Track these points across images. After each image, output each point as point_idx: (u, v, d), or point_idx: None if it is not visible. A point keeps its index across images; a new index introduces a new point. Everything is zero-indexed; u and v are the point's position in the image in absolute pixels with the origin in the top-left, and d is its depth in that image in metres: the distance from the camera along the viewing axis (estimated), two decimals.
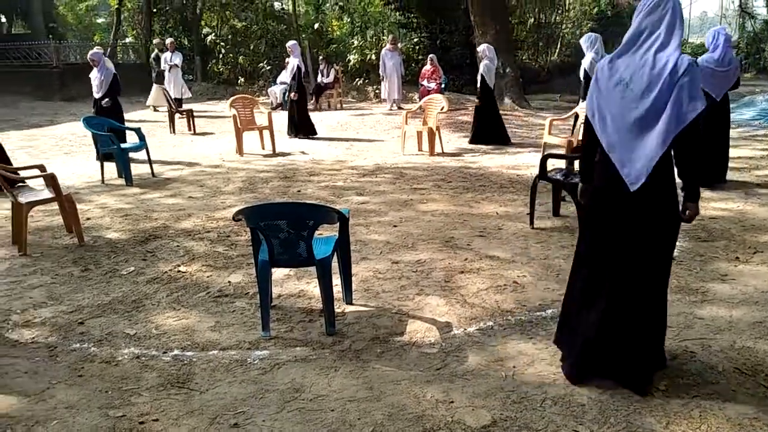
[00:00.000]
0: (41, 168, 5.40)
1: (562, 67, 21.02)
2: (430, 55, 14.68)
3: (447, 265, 4.50)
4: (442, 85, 14.38)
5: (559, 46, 22.70)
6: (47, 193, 5.24)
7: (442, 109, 9.09)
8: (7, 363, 3.24)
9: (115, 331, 3.58)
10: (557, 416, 2.62)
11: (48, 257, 4.89)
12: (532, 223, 5.34)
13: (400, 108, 14.42)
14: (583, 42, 8.12)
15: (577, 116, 7.95)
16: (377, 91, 16.99)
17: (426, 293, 4.00)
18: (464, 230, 5.32)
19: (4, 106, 16.05)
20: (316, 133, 10.96)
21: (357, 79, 18.36)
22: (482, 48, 9.74)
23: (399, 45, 16.10)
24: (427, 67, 14.30)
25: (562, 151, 7.19)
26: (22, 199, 5.05)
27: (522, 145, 9.81)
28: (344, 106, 15.93)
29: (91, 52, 9.01)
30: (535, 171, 6.85)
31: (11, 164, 7.18)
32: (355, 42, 19.40)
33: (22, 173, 5.53)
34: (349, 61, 18.79)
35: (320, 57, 16.66)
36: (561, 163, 6.38)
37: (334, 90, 15.76)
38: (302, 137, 10.80)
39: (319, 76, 15.90)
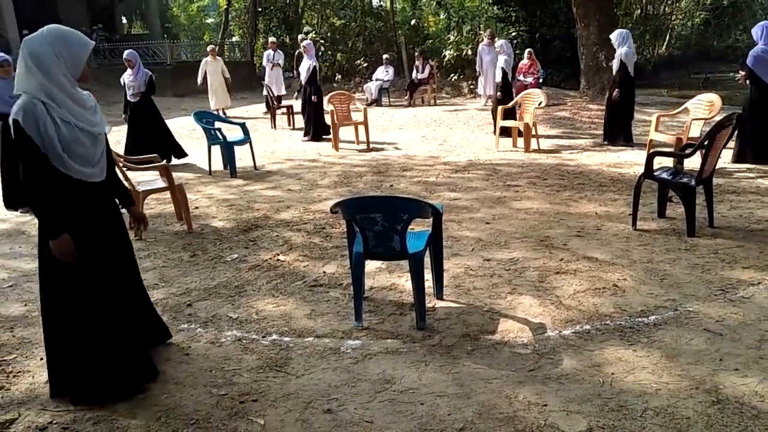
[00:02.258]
0: (156, 159, 5.80)
1: (670, 60, 19.81)
2: (528, 49, 14.33)
3: (541, 264, 4.39)
4: (540, 80, 13.99)
5: (667, 38, 21.39)
6: (161, 183, 5.63)
7: (539, 105, 8.85)
8: None
9: (220, 314, 3.80)
10: (659, 428, 2.49)
11: (160, 242, 5.26)
12: (634, 224, 5.10)
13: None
14: (615, 38, 8.68)
15: (687, 112, 7.49)
16: (472, 87, 16.81)
17: (519, 292, 3.93)
18: (560, 229, 5.16)
19: (122, 101, 17.35)
20: (329, 134, 10.29)
21: (452, 75, 18.25)
22: (500, 43, 9.99)
23: (496, 39, 15.82)
24: (525, 61, 13.96)
25: (670, 149, 6.79)
26: (139, 187, 5.46)
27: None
28: (438, 102, 15.89)
29: (126, 52, 8.64)
30: (639, 169, 6.53)
31: (176, 144, 8.88)
32: (452, 37, 19.27)
33: (140, 165, 5.95)
34: (445, 56, 18.70)
35: (416, 53, 16.68)
36: (667, 162, 6.03)
37: (428, 86, 15.76)
38: (316, 140, 10.54)
39: (414, 71, 15.96)
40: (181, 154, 8.96)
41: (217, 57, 14.13)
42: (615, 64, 8.80)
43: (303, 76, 10.74)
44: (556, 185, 6.72)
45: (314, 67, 10.49)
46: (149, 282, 4.35)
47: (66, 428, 2.68)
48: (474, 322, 3.55)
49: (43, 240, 2.72)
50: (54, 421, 2.74)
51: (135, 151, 7.97)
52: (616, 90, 8.74)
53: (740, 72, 7.42)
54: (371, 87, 16.08)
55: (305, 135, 10.86)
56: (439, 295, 3.89)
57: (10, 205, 6.46)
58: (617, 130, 9.00)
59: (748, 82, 7.11)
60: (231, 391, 2.92)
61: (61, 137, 2.58)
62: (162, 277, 4.45)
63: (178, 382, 3.03)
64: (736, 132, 5.16)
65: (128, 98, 8.59)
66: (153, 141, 8.37)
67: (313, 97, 10.51)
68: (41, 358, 3.31)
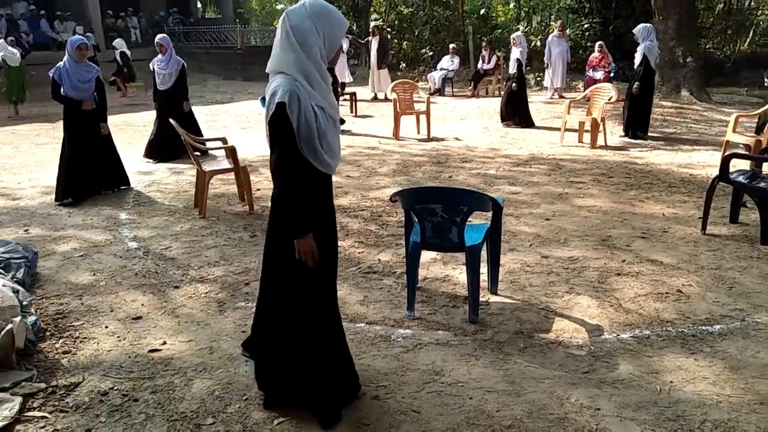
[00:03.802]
0: (223, 141, 5.97)
1: (752, 57, 18.61)
2: (598, 42, 13.83)
3: (602, 265, 4.25)
4: (611, 74, 13.50)
5: (751, 35, 20.17)
6: (227, 164, 5.79)
7: (609, 99, 8.54)
8: (184, 313, 3.66)
9: None
10: None
11: (223, 222, 5.42)
12: (704, 228, 4.86)
13: (561, 97, 13.80)
14: (638, 32, 8.81)
15: None
16: (539, 79, 16.41)
17: (576, 292, 3.82)
18: (624, 230, 4.98)
19: (194, 83, 17.89)
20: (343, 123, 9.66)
21: None
22: (515, 36, 10.40)
23: (567, 31, 15.35)
24: (595, 54, 13.49)
25: (748, 152, 6.43)
26: (206, 167, 5.63)
27: (698, 142, 8.92)
28: (503, 93, 15.57)
29: (159, 36, 7.98)
30: (713, 171, 6.22)
31: (202, 135, 8.13)
32: (521, 28, 18.83)
33: (208, 144, 6.15)
34: None
35: (483, 43, 16.41)
36: (744, 165, 5.71)
37: (493, 77, 15.49)
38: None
39: (480, 62, 15.71)
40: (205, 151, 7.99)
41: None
42: (637, 58, 8.93)
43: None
44: (622, 184, 6.49)
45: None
46: (211, 259, 4.49)
47: (126, 395, 2.81)
48: (528, 319, 3.48)
49: (278, 238, 2.49)
50: (115, 387, 2.87)
51: (159, 145, 7.96)
52: (637, 83, 8.85)
53: None
54: (435, 76, 15.94)
55: None
56: (493, 289, 3.84)
57: (61, 196, 6.07)
58: (638, 122, 9.14)
59: None
60: None
61: (318, 125, 2.32)
62: (223, 255, 4.59)
63: (233, 358, 3.12)
64: None
65: (158, 86, 7.96)
66: (175, 138, 7.50)
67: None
68: (106, 326, 3.49)
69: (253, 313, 3.58)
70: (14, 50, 13.02)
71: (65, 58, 5.95)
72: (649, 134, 9.30)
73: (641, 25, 9.02)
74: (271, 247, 2.56)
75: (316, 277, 2.50)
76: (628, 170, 7.12)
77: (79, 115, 6.02)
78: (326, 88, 2.39)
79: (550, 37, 14.47)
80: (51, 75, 5.92)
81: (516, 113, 10.49)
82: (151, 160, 8.01)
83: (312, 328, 2.54)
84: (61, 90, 5.93)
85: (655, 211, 5.48)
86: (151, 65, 8.08)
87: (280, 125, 2.27)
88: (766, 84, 16.38)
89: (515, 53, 10.21)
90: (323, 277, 2.54)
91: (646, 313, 3.52)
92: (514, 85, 10.29)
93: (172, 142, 7.64)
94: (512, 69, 10.34)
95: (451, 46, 16.65)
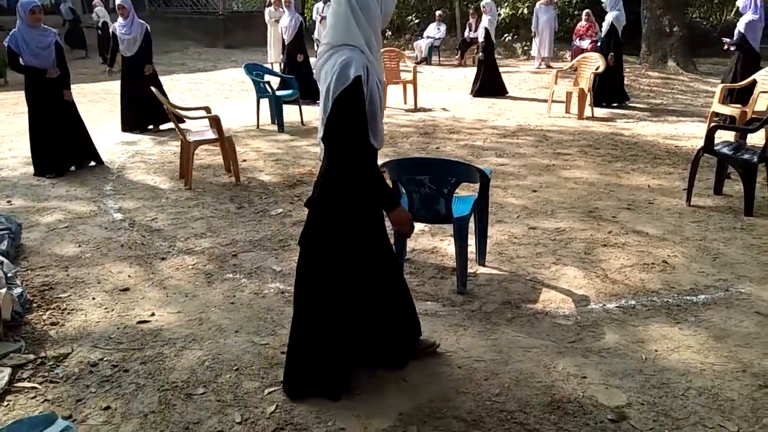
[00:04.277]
0: (207, 110, 5.86)
1: None
2: (586, 10, 13.70)
3: (588, 236, 4.29)
4: (598, 43, 13.40)
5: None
6: (211, 134, 5.70)
7: (596, 69, 8.52)
8: (172, 284, 3.64)
9: (264, 266, 3.87)
10: (701, 408, 2.45)
11: (209, 193, 5.37)
12: (689, 199, 4.91)
13: (549, 66, 13.73)
14: (606, 0, 8.97)
15: (754, 83, 7.09)
16: (526, 48, 16.30)
17: (563, 263, 3.86)
18: (610, 201, 5.02)
19: (175, 50, 17.54)
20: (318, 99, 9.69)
21: (506, 35, 17.68)
22: (485, 3, 10.17)
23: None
24: (582, 23, 13.38)
25: (733, 123, 6.48)
26: (190, 138, 5.55)
27: (684, 113, 8.96)
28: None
29: None
30: (697, 143, 6.27)
31: (167, 98, 7.86)
32: None
33: (190, 113, 6.04)
34: (499, 15, 18.09)
35: (470, 10, 16.21)
36: (728, 136, 5.76)
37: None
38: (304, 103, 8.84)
39: (467, 30, 15.53)
40: (162, 122, 7.90)
41: (280, 8, 13.71)
42: (605, 28, 9.11)
43: (287, 35, 9.71)
44: (609, 155, 6.52)
45: (300, 22, 9.74)
46: (197, 231, 4.46)
47: (116, 366, 2.81)
48: (515, 290, 3.52)
49: (345, 216, 2.41)
50: (104, 359, 2.87)
51: (133, 114, 7.64)
52: (611, 54, 8.90)
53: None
54: (421, 44, 15.76)
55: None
56: (481, 261, 3.86)
57: (40, 171, 5.88)
58: (613, 93, 9.27)
59: None
60: (273, 341, 2.99)
61: (379, 100, 2.28)
62: (209, 227, 4.55)
63: (222, 329, 3.12)
64: None
65: (122, 52, 7.50)
66: (146, 103, 7.38)
67: (299, 56, 9.64)
68: (93, 298, 3.47)
69: (241, 284, 3.60)
70: None
71: (18, 24, 5.49)
72: (637, 104, 9.32)
73: None
74: (332, 230, 2.44)
75: (386, 245, 2.56)
76: (615, 142, 7.15)
77: (43, 84, 5.62)
78: (380, 59, 2.32)
79: (537, 4, 14.31)
80: (6, 44, 5.47)
81: (488, 84, 10.46)
82: (130, 132, 7.69)
83: (397, 285, 2.67)
84: (20, 59, 5.52)
85: (640, 183, 5.52)
86: (111, 30, 7.66)
87: (357, 100, 2.19)
88: None
89: (484, 21, 10.24)
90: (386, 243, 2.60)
91: (631, 283, 3.57)
92: (481, 54, 10.38)
93: (144, 109, 7.58)
94: (480, 38, 10.37)
95: (438, 13, 16.43)
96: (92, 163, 6.23)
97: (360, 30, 2.21)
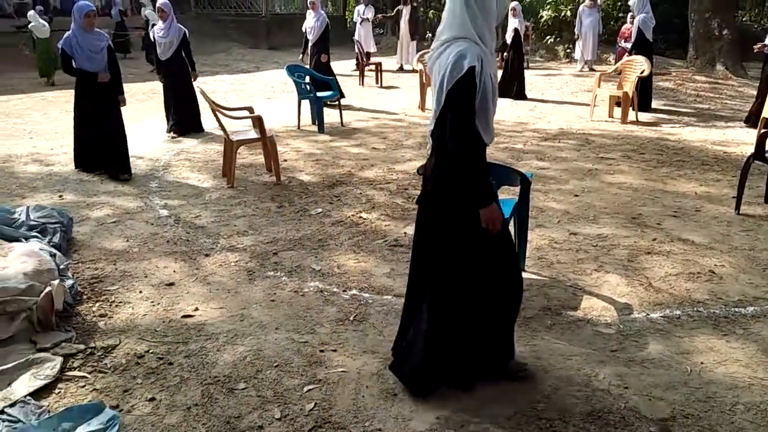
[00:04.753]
0: (250, 110, 5.97)
1: None
2: (631, 12, 13.44)
3: (632, 243, 4.21)
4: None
5: None
6: (254, 134, 5.80)
7: (641, 73, 8.34)
8: (215, 280, 3.72)
9: (303, 264, 3.92)
10: (749, 424, 2.38)
11: (250, 192, 5.46)
12: (738, 207, 4.77)
13: (592, 69, 13.52)
14: (633, 4, 9.13)
15: None
16: (568, 51, 16.07)
17: (605, 270, 3.80)
18: (655, 208, 4.91)
19: (220, 51, 17.89)
20: (344, 96, 9.44)
21: (548, 37, 17.47)
22: (514, 5, 10.30)
23: (599, 1, 14.94)
24: (627, 25, 13.09)
25: None
26: (233, 137, 5.66)
27: (733, 119, 8.70)
28: (531, 65, 15.30)
29: (160, 1, 7.41)
30: (747, 149, 6.08)
31: (198, 113, 7.87)
32: None
33: (234, 113, 6.15)
34: (542, 17, 17.88)
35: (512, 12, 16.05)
36: None
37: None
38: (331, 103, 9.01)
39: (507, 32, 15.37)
40: (199, 127, 7.91)
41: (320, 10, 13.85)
42: (634, 32, 9.20)
43: (312, 35, 9.56)
44: (654, 160, 6.37)
45: (326, 23, 9.58)
46: (239, 228, 4.55)
47: (161, 358, 2.89)
48: (556, 296, 3.48)
49: (453, 209, 2.41)
50: (150, 351, 2.95)
51: (175, 117, 7.61)
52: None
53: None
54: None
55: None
56: (520, 265, 3.82)
57: (81, 164, 6.01)
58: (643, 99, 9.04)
59: None
60: (312, 340, 3.03)
61: (492, 93, 2.31)
62: (251, 225, 4.64)
63: (263, 326, 3.17)
64: None
65: (159, 56, 7.52)
66: (179, 105, 7.63)
67: (323, 57, 9.43)
68: (140, 291, 3.57)
69: (282, 282, 3.65)
70: (43, 21, 12.78)
71: (72, 27, 5.49)
72: (683, 109, 9.10)
73: None
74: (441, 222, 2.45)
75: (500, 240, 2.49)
76: (660, 147, 6.99)
77: (94, 87, 5.61)
78: (494, 54, 2.33)
79: (580, 7, 14.11)
80: (60, 47, 5.52)
81: (512, 85, 10.46)
82: (173, 135, 7.66)
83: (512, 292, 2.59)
84: (73, 63, 5.54)
85: (687, 190, 5.39)
86: (150, 34, 7.58)
87: (467, 91, 2.20)
88: None
89: (513, 23, 10.27)
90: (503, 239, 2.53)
91: (676, 292, 3.49)
92: (506, 54, 10.41)
93: (182, 115, 7.61)
94: (509, 39, 10.42)
95: None
96: (123, 176, 5.83)
97: (474, 24, 2.23)
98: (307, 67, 9.28)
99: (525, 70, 10.93)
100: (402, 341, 2.71)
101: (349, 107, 9.41)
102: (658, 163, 6.28)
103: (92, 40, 5.54)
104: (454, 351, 2.55)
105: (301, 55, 10.25)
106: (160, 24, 7.48)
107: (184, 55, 7.51)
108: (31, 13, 13.04)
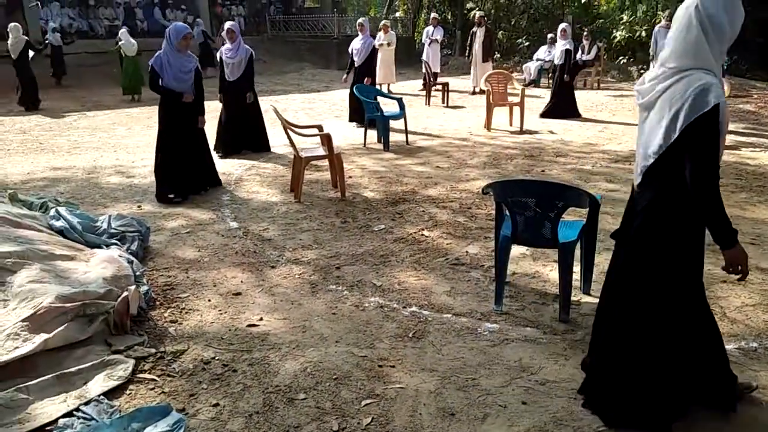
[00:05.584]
0: (320, 128, 6.14)
1: None
2: None
3: (706, 270, 3.96)
4: (723, 67, 12.59)
5: None
6: (321, 151, 5.96)
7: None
8: (280, 292, 3.83)
9: (365, 280, 3.97)
10: None
11: (316, 207, 5.60)
12: None
13: None
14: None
15: None
16: (642, 71, 15.59)
17: None
18: None
19: (292, 71, 18.51)
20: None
21: (621, 58, 17.07)
22: (563, 26, 10.54)
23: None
24: None
25: None
26: (303, 153, 5.83)
27: None
28: (602, 86, 14.98)
29: (229, 23, 7.59)
30: None
31: (264, 126, 7.99)
32: (624, 17, 17.95)
33: (305, 131, 6.34)
34: (615, 38, 17.50)
35: (583, 33, 15.81)
36: None
37: (593, 68, 14.90)
38: (359, 125, 9.49)
39: (579, 52, 15.12)
40: (265, 147, 8.01)
41: (390, 31, 14.22)
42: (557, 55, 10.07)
43: (359, 57, 9.62)
44: (732, 185, 6.08)
45: (372, 46, 9.63)
46: (304, 242, 4.66)
47: (226, 365, 2.99)
48: None
49: (666, 251, 2.35)
50: (216, 357, 3.06)
51: (225, 134, 7.66)
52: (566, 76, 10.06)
53: None
54: (530, 67, 15.56)
55: (351, 121, 10.08)
56: (586, 289, 3.74)
57: (162, 197, 5.82)
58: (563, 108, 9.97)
59: None
60: (371, 354, 3.06)
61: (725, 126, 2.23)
62: (316, 239, 4.75)
63: (324, 338, 3.23)
64: None
65: (226, 77, 7.51)
66: (244, 127, 7.73)
67: (366, 80, 9.40)
68: (209, 299, 3.72)
69: (343, 295, 3.71)
70: (132, 40, 13.60)
71: (165, 47, 5.61)
72: (765, 133, 8.62)
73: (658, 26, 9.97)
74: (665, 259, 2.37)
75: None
76: (739, 171, 6.66)
77: (178, 107, 5.69)
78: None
79: (656, 27, 13.65)
80: (150, 64, 5.65)
81: (561, 105, 10.53)
82: (220, 153, 7.60)
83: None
84: (160, 81, 5.64)
85: (767, 217, 5.10)
86: (218, 54, 7.68)
87: (713, 128, 2.09)
88: None
89: (563, 44, 10.35)
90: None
91: (753, 324, 3.31)
92: (566, 77, 10.42)
93: (241, 134, 7.68)
94: (559, 60, 10.47)
95: (550, 35, 16.14)
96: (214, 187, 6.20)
97: (712, 53, 2.14)
98: (377, 87, 9.49)
99: (575, 91, 11.06)
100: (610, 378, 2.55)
101: (414, 127, 9.48)
102: (737, 188, 5.99)
103: (183, 61, 5.65)
104: (650, 383, 2.44)
105: (345, 76, 10.23)
106: (228, 45, 7.52)
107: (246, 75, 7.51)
108: (122, 31, 13.95)
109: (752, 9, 14.63)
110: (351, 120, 10.17)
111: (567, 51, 10.29)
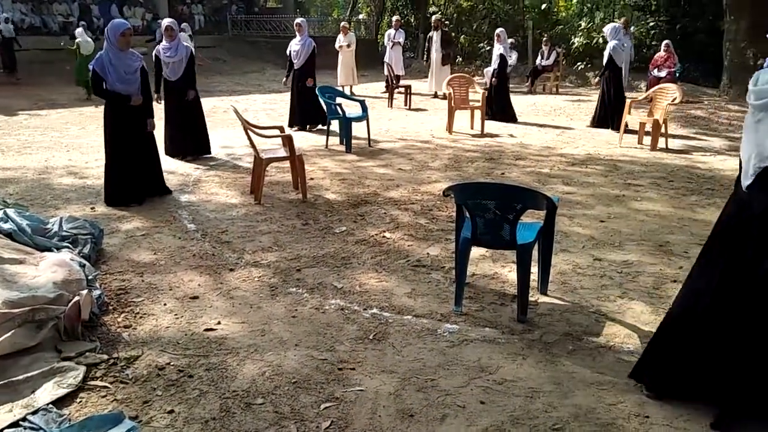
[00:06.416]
0: (281, 129, 6.09)
1: None
2: (665, 41, 13.36)
3: (658, 271, 4.14)
4: (676, 74, 13.03)
5: None
6: (283, 152, 5.90)
7: (673, 101, 8.26)
8: (238, 295, 3.77)
9: (325, 282, 3.95)
10: None
11: (276, 208, 5.54)
12: None
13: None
14: (607, 31, 9.86)
15: None
16: (599, 77, 15.99)
17: (630, 297, 3.74)
18: (683, 236, 4.83)
19: (254, 71, 18.31)
20: (320, 123, 9.57)
21: (579, 64, 17.46)
22: (499, 31, 10.95)
23: (631, 29, 14.89)
24: (661, 53, 13.03)
25: None
26: (263, 155, 5.76)
27: None
28: (561, 90, 15.29)
29: (167, 20, 7.29)
30: None
31: (205, 125, 7.58)
32: (583, 24, 18.40)
33: (266, 132, 6.27)
34: (573, 44, 17.90)
35: (543, 38, 16.12)
36: None
37: (552, 73, 15.21)
38: (305, 128, 9.69)
39: (539, 57, 15.44)
40: (206, 150, 7.70)
41: (349, 33, 14.27)
42: (605, 56, 9.87)
43: (298, 59, 9.39)
44: (683, 188, 6.28)
45: (313, 47, 9.38)
46: (264, 245, 4.61)
47: (181, 371, 2.93)
48: (578, 321, 3.43)
49: None
50: (171, 363, 3.00)
51: (172, 139, 7.40)
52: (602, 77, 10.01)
53: None
54: (491, 71, 15.74)
55: (291, 125, 9.66)
56: (543, 289, 3.80)
57: (111, 202, 5.57)
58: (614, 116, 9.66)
59: None
60: (331, 357, 3.04)
61: None
62: (276, 241, 4.70)
63: (283, 341, 3.20)
64: None
65: (167, 77, 7.16)
66: (185, 129, 7.44)
67: (308, 81, 9.31)
68: (165, 304, 3.64)
69: (303, 298, 3.68)
70: (89, 39, 13.49)
71: (106, 47, 5.23)
72: (714, 138, 8.95)
73: (610, 25, 10.05)
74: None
75: None
76: (690, 175, 6.88)
77: (125, 111, 5.33)
78: None
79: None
80: (92, 67, 5.27)
81: (498, 109, 10.71)
82: (173, 158, 7.39)
83: None
84: (104, 84, 5.25)
85: (716, 219, 5.27)
86: (154, 53, 7.22)
87: None
88: None
89: (498, 49, 10.67)
90: None
91: None
92: (494, 80, 10.75)
93: (176, 139, 7.39)
94: (494, 65, 10.82)
95: (510, 41, 16.38)
96: (164, 195, 5.89)
97: None
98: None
99: (510, 94, 11.27)
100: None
101: (377, 129, 9.49)
102: (687, 191, 6.19)
103: (127, 61, 5.27)
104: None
105: (284, 79, 9.94)
106: (164, 43, 7.10)
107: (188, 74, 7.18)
108: (79, 30, 13.67)
109: (704, 16, 15.22)
110: (291, 124, 9.68)
111: (501, 56, 10.61)
